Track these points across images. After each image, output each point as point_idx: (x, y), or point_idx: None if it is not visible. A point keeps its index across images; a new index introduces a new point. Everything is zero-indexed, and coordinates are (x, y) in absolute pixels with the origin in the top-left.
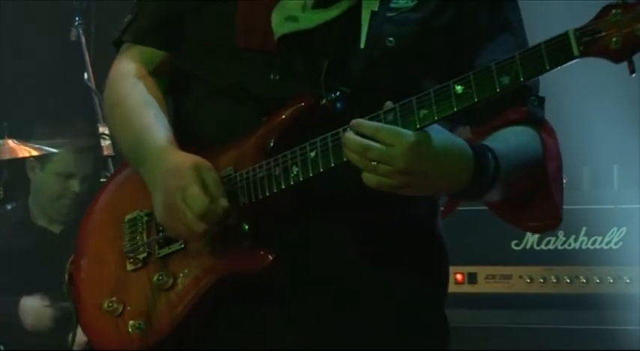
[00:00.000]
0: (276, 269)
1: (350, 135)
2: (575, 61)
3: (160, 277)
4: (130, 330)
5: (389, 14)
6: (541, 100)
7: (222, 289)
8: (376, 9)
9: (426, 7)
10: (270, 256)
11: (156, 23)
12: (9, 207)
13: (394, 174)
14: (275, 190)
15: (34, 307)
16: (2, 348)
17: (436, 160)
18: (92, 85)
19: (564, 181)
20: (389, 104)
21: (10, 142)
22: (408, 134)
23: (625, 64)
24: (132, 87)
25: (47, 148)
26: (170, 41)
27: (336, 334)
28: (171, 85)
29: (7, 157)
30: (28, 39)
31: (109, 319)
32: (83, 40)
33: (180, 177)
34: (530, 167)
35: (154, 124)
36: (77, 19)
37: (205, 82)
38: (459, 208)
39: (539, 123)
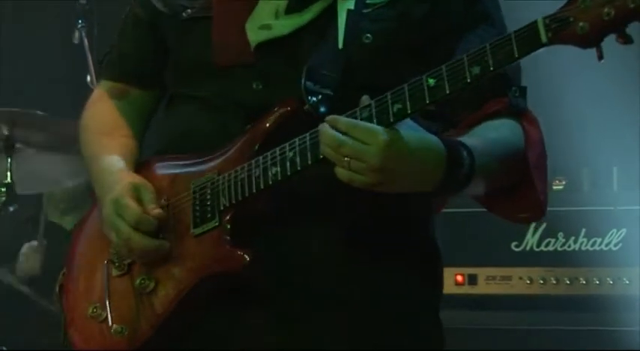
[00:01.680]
0: (255, 269)
1: (326, 129)
2: (544, 48)
3: (142, 281)
4: (112, 334)
5: (365, 11)
6: (522, 91)
7: (203, 291)
8: (352, 7)
9: (401, 1)
10: (247, 257)
11: (129, 61)
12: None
13: (367, 171)
14: (254, 191)
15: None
16: (4, 348)
17: (409, 158)
18: (94, 86)
19: (563, 183)
20: (365, 99)
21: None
22: (382, 132)
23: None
24: (91, 115)
25: None
26: (143, 78)
27: (315, 335)
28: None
29: None
30: (32, 41)
31: (94, 325)
32: (86, 42)
33: (115, 191)
34: (511, 160)
35: (103, 151)
36: (80, 21)
37: (190, 97)
38: (459, 210)
39: (521, 113)
